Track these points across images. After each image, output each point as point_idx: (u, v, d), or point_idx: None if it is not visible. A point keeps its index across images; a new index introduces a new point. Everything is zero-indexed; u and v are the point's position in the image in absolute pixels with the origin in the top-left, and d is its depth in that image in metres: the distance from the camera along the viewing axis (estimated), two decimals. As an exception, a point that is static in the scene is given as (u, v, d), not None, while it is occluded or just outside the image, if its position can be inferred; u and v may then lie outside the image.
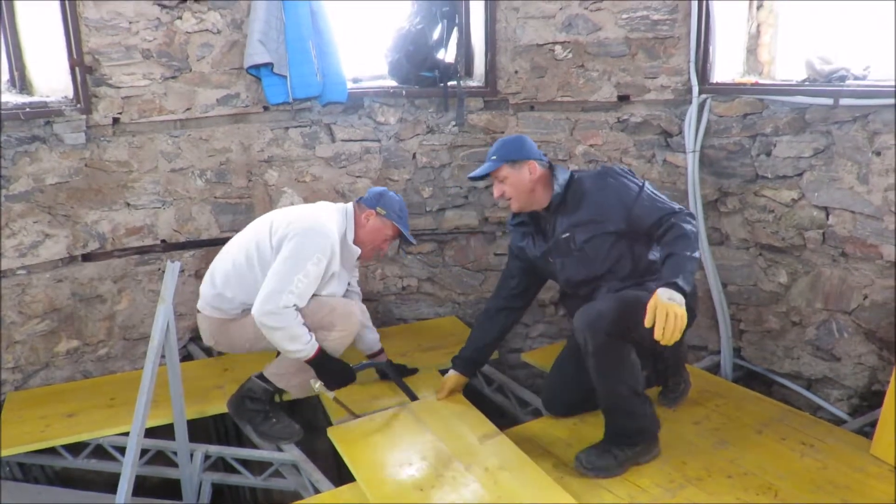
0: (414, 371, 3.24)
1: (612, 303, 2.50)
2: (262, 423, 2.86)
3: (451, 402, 2.99)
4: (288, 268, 2.66)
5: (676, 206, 2.55)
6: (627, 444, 2.56)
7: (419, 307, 3.97)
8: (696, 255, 2.36)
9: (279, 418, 2.89)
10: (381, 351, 3.21)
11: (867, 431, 2.80)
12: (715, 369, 3.49)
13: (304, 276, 2.67)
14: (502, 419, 3.21)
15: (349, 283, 3.11)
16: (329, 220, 2.84)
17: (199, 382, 3.24)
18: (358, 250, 2.92)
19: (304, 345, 2.67)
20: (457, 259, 3.89)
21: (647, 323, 2.22)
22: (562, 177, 2.72)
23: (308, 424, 3.05)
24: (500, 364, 3.73)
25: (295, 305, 2.65)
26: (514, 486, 2.41)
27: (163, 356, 2.45)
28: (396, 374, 3.12)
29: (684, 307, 2.22)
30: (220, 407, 3.08)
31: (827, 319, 3.12)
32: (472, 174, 2.79)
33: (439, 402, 2.99)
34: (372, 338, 3.18)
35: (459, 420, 2.84)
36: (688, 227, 2.42)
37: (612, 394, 2.55)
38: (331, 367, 2.79)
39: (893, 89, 2.77)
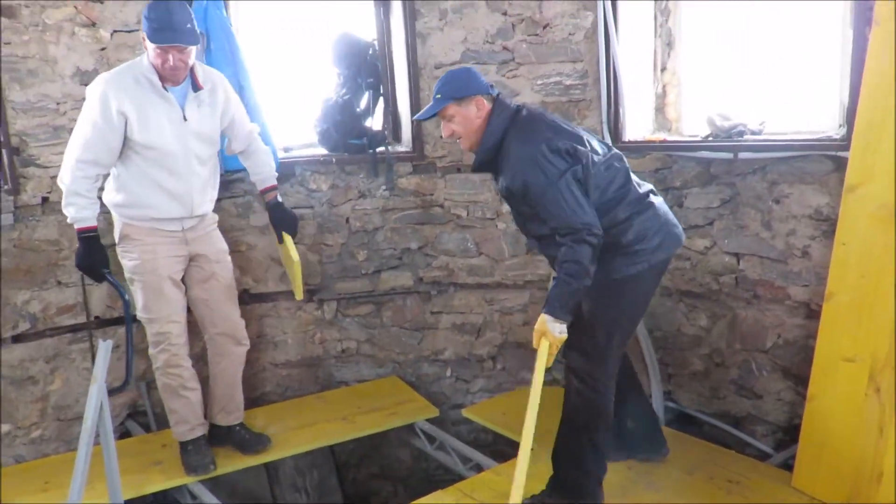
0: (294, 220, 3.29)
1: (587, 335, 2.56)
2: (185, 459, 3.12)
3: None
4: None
5: (579, 220, 2.34)
6: (573, 490, 2.65)
7: (360, 369, 4.01)
8: (584, 282, 2.35)
9: (196, 452, 3.11)
10: (274, 189, 3.23)
11: (790, 464, 2.94)
12: (647, 413, 3.61)
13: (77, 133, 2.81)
14: (447, 475, 3.26)
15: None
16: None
17: (138, 458, 3.20)
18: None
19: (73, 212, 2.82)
20: (394, 319, 3.96)
21: (535, 345, 2.43)
22: (497, 124, 2.53)
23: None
24: (442, 421, 3.78)
25: (78, 163, 2.77)
26: None
27: (98, 437, 2.43)
28: (282, 223, 3.20)
29: (565, 333, 2.38)
30: (159, 483, 3.06)
31: (746, 359, 3.30)
32: (418, 115, 2.72)
33: None
34: (265, 167, 3.21)
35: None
36: (582, 250, 2.33)
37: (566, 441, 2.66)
38: (83, 251, 2.86)
39: (786, 143, 3.02)
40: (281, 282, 3.75)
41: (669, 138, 3.50)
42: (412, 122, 3.68)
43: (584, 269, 2.34)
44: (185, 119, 2.87)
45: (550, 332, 2.38)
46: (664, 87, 3.64)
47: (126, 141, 2.82)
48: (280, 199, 3.25)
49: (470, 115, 2.54)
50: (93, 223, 2.85)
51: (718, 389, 3.43)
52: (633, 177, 2.64)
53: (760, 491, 2.74)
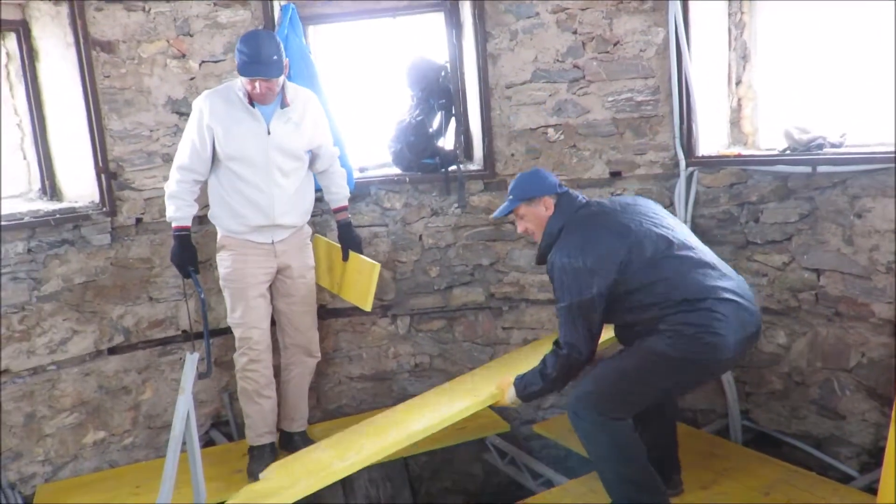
0: (359, 242, 3.44)
1: (594, 381, 2.63)
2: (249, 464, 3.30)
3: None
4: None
5: (567, 339, 2.63)
6: None
7: (432, 383, 4.06)
8: (545, 386, 2.70)
9: (258, 459, 3.27)
10: (344, 209, 3.42)
11: (874, 488, 2.82)
12: (724, 432, 3.53)
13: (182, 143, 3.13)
14: (518, 491, 3.28)
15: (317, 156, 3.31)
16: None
17: (221, 467, 3.35)
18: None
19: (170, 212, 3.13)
20: (466, 335, 4.01)
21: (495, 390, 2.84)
22: (554, 224, 2.73)
23: None
24: (513, 437, 3.80)
25: (178, 169, 3.10)
26: None
27: (184, 444, 2.57)
28: (348, 242, 3.34)
29: (516, 404, 2.83)
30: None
31: (828, 378, 3.19)
32: (494, 214, 2.95)
33: None
34: (340, 188, 3.40)
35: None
36: (556, 361, 2.66)
37: (602, 477, 2.68)
38: (176, 248, 3.14)
39: (867, 156, 2.93)
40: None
41: (745, 152, 3.44)
42: (483, 141, 3.75)
43: (549, 376, 2.68)
44: (268, 133, 3.08)
45: (506, 395, 2.83)
46: (739, 100, 3.59)
47: (216, 153, 3.09)
48: (350, 218, 3.42)
49: (539, 214, 2.78)
50: (187, 223, 3.14)
51: (798, 409, 3.32)
52: (710, 261, 2.63)
53: (842, 515, 2.65)
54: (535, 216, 2.79)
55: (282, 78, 3.06)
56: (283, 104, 3.12)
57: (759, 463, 3.08)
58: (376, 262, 3.25)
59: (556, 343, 2.70)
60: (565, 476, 3.22)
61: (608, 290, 2.56)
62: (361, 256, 3.32)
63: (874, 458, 3.06)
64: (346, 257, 3.37)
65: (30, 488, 3.30)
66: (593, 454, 2.68)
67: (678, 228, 2.72)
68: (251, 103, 3.07)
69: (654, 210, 2.77)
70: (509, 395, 2.84)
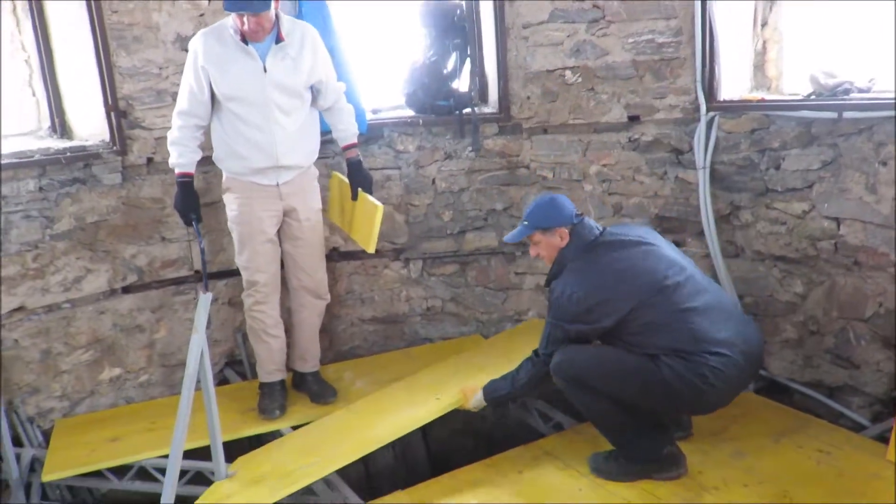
0: (370, 181, 3.31)
1: (585, 355, 2.65)
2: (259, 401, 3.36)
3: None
4: None
5: (541, 349, 2.75)
6: (631, 459, 2.66)
7: (444, 327, 4.09)
8: (513, 388, 2.84)
9: (268, 396, 3.34)
10: (354, 147, 3.29)
11: (886, 437, 2.83)
12: (735, 380, 3.53)
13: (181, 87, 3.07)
14: (528, 434, 3.30)
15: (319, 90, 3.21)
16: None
17: (235, 404, 3.40)
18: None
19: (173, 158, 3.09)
20: (479, 279, 4.00)
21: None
22: (566, 255, 2.76)
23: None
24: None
25: (178, 115, 3.05)
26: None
27: (199, 382, 2.60)
28: (358, 181, 3.24)
29: (478, 408, 2.97)
30: (254, 428, 3.24)
31: (844, 327, 3.16)
32: (507, 238, 2.92)
33: None
34: (348, 124, 3.28)
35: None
36: (528, 369, 2.81)
37: (592, 420, 2.76)
38: (179, 194, 3.11)
39: (895, 101, 2.84)
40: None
41: (768, 97, 3.35)
42: (498, 83, 3.67)
43: (520, 381, 2.81)
44: (265, 71, 2.99)
45: (470, 401, 2.96)
46: (764, 43, 3.47)
47: (214, 95, 3.03)
48: (359, 156, 3.30)
49: (553, 243, 2.78)
50: (189, 170, 3.10)
51: (812, 358, 3.31)
52: (718, 306, 2.63)
53: (852, 462, 2.65)
54: (549, 245, 2.79)
55: (271, 12, 2.92)
56: (279, 39, 3.00)
57: (771, 410, 3.09)
58: (380, 204, 3.15)
59: (534, 352, 2.79)
60: (575, 419, 3.24)
61: (601, 330, 2.63)
62: (369, 197, 3.23)
63: (887, 407, 3.06)
64: (354, 196, 3.27)
65: (48, 422, 3.36)
66: (581, 409, 2.77)
67: (689, 269, 2.70)
68: (244, 41, 2.96)
69: (667, 250, 2.75)
70: (474, 401, 2.95)
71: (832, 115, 3.00)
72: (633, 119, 3.55)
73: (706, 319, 2.54)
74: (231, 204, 3.21)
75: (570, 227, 2.76)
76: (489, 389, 2.90)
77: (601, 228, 2.80)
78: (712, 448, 2.82)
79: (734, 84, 3.42)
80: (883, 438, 2.86)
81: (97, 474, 3.04)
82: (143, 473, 3.07)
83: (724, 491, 2.55)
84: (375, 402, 3.27)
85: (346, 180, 3.32)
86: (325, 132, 3.40)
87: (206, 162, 3.23)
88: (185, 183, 3.09)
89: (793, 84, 3.45)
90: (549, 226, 2.76)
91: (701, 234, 3.49)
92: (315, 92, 3.19)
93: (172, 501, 2.47)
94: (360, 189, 3.25)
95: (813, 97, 3.15)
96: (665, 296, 2.56)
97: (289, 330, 3.46)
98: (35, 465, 3.12)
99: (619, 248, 2.70)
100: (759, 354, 2.67)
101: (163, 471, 2.93)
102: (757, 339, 2.67)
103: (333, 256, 3.85)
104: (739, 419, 3.01)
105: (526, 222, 2.82)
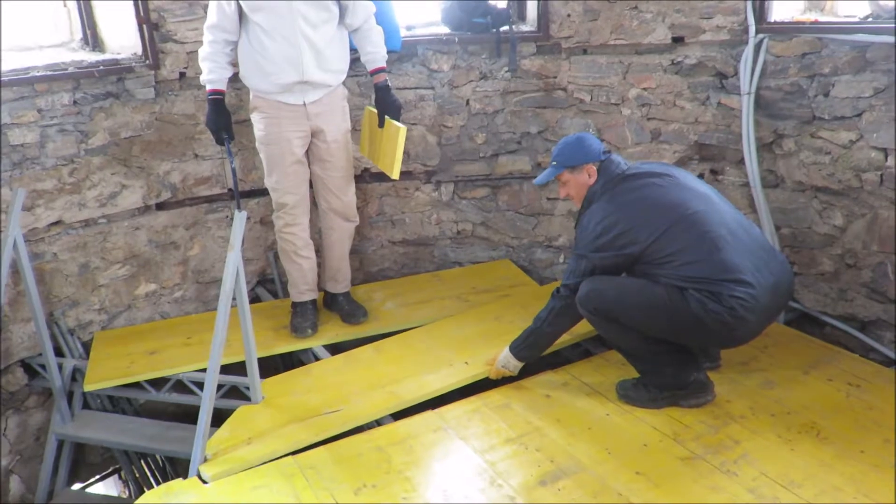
0: (398, 108, 3.21)
1: (612, 287, 2.61)
2: (291, 319, 3.41)
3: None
4: None
5: (565, 281, 2.72)
6: (658, 386, 2.68)
7: (474, 251, 4.09)
8: (532, 328, 2.83)
9: (300, 315, 3.39)
10: (382, 71, 3.18)
11: (918, 373, 2.82)
12: (767, 311, 3.51)
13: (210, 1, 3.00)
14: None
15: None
16: None
17: (268, 322, 3.46)
18: None
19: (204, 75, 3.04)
20: (510, 204, 3.97)
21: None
22: (594, 191, 2.73)
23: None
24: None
25: (208, 29, 2.98)
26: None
27: (233, 299, 2.64)
28: (384, 107, 3.15)
29: (518, 368, 2.92)
30: (287, 345, 3.31)
31: (882, 262, 3.10)
32: (537, 180, 2.89)
33: None
34: (377, 46, 3.17)
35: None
36: (550, 304, 2.78)
37: (619, 348, 2.77)
38: (211, 112, 3.05)
39: (959, 25, 2.69)
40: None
41: (822, 19, 3.19)
42: (538, 3, 3.53)
43: (541, 318, 2.80)
44: None
45: (496, 363, 2.94)
46: (821, -40, 3.29)
47: (240, 8, 2.95)
48: (387, 81, 3.18)
49: (582, 181, 2.76)
50: (221, 87, 3.05)
51: (847, 292, 3.27)
52: (751, 242, 2.58)
53: (881, 395, 2.65)
54: (578, 183, 2.76)
55: None
56: None
57: (801, 342, 3.08)
58: (403, 125, 3.05)
59: (557, 288, 2.77)
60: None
61: (627, 258, 2.59)
62: (395, 122, 3.14)
63: (920, 343, 3.04)
64: (381, 123, 3.19)
65: (87, 335, 3.45)
66: (608, 340, 2.80)
67: (715, 199, 2.65)
68: None
69: (692, 181, 2.69)
70: (501, 360, 2.92)
71: (889, 38, 2.86)
72: (678, 40, 3.41)
73: (732, 249, 2.50)
74: (258, 124, 3.16)
75: (597, 164, 2.73)
76: (515, 342, 2.89)
77: (628, 164, 2.76)
78: (741, 377, 2.83)
79: (787, 4, 3.26)
80: (915, 373, 2.85)
81: (136, 385, 3.14)
82: (179, 386, 3.16)
83: (752, 420, 2.57)
84: (404, 345, 3.25)
85: (375, 109, 3.25)
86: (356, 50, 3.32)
87: (238, 79, 3.17)
88: (217, 100, 3.05)
89: (849, 6, 3.29)
90: (577, 163, 2.74)
91: (741, 162, 3.41)
92: (342, 8, 3.08)
93: (210, 413, 2.56)
94: (386, 116, 3.17)
95: (870, 20, 3.00)
96: (690, 223, 2.52)
97: (319, 250, 3.48)
98: (76, 375, 3.23)
99: (644, 178, 2.67)
100: (789, 286, 2.64)
101: (199, 384, 3.03)
102: (786, 270, 2.64)
103: (365, 177, 3.83)
104: (769, 350, 3.01)
105: (554, 163, 2.79)
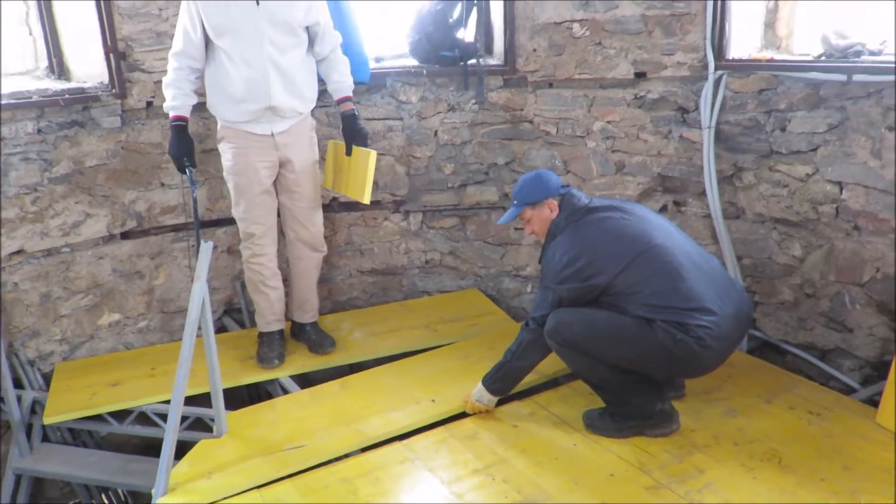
0: (365, 136, 3.22)
1: (579, 319, 2.62)
2: (258, 349, 3.38)
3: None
4: None
5: (533, 314, 2.72)
6: (624, 416, 2.70)
7: (442, 280, 4.11)
8: (502, 362, 2.81)
9: (267, 345, 3.37)
10: (348, 100, 3.22)
11: (876, 400, 2.87)
12: (730, 340, 3.57)
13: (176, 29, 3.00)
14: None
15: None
16: None
17: (234, 352, 3.43)
18: None
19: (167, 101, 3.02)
20: (478, 233, 4.00)
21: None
22: (556, 225, 2.76)
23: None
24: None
25: (173, 56, 2.98)
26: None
27: (199, 330, 2.61)
28: (351, 135, 3.18)
29: (493, 402, 2.90)
30: (253, 376, 3.27)
31: (840, 291, 3.19)
32: (500, 220, 2.95)
33: None
34: (343, 76, 3.21)
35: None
36: (520, 337, 2.77)
37: (586, 379, 2.77)
38: (173, 139, 3.03)
39: (906, 65, 2.81)
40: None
41: (778, 57, 3.31)
42: (505, 34, 3.60)
43: (511, 351, 2.78)
44: (257, 3, 2.90)
45: (471, 396, 2.91)
46: (776, 0, 3.41)
47: (206, 34, 2.95)
48: (354, 110, 3.22)
49: (544, 216, 2.79)
50: (184, 113, 3.03)
51: (806, 321, 3.35)
52: (709, 271, 2.64)
53: (842, 424, 2.70)
54: (541, 218, 2.79)
55: None
56: None
57: (763, 371, 3.13)
58: (373, 150, 3.09)
59: (526, 321, 2.77)
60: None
61: (593, 289, 2.61)
62: (363, 148, 3.17)
63: (877, 371, 3.11)
64: (349, 151, 3.21)
65: (48, 366, 3.39)
66: (575, 371, 2.80)
67: (675, 233, 2.72)
68: None
69: (654, 217, 2.75)
70: (475, 394, 2.89)
71: (841, 77, 2.97)
72: (640, 75, 3.50)
73: (695, 279, 2.55)
74: (226, 153, 3.15)
75: (558, 199, 2.77)
76: (487, 376, 2.87)
77: (588, 197, 2.81)
78: (705, 407, 2.87)
79: (744, 42, 3.37)
80: (872, 401, 2.91)
81: (98, 418, 3.08)
82: (143, 418, 3.11)
83: (715, 448, 2.60)
84: (370, 382, 3.22)
85: (341, 142, 3.26)
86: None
87: (205, 107, 3.17)
88: (179, 127, 3.02)
89: (802, 44, 3.41)
90: (537, 199, 2.77)
91: (702, 194, 3.49)
92: (311, 35, 3.10)
93: (174, 446, 2.52)
94: (354, 144, 3.19)
95: (823, 58, 3.11)
96: (654, 254, 2.57)
97: (287, 280, 3.47)
98: (36, 408, 3.16)
99: (607, 210, 2.71)
100: (748, 314, 2.70)
101: (162, 416, 2.98)
102: (745, 299, 2.70)
103: (333, 207, 3.84)
104: (732, 379, 3.06)
105: (515, 201, 2.83)
